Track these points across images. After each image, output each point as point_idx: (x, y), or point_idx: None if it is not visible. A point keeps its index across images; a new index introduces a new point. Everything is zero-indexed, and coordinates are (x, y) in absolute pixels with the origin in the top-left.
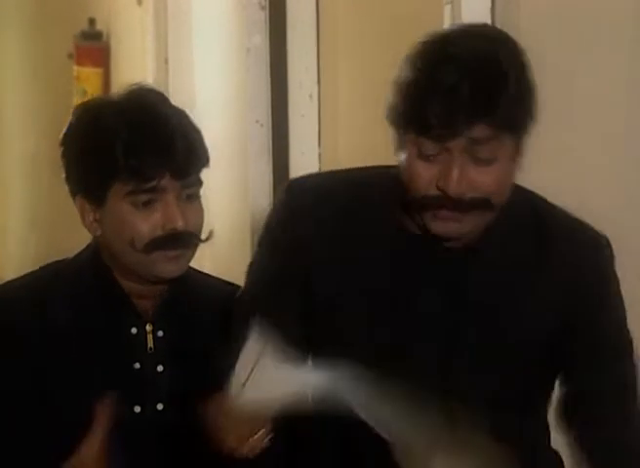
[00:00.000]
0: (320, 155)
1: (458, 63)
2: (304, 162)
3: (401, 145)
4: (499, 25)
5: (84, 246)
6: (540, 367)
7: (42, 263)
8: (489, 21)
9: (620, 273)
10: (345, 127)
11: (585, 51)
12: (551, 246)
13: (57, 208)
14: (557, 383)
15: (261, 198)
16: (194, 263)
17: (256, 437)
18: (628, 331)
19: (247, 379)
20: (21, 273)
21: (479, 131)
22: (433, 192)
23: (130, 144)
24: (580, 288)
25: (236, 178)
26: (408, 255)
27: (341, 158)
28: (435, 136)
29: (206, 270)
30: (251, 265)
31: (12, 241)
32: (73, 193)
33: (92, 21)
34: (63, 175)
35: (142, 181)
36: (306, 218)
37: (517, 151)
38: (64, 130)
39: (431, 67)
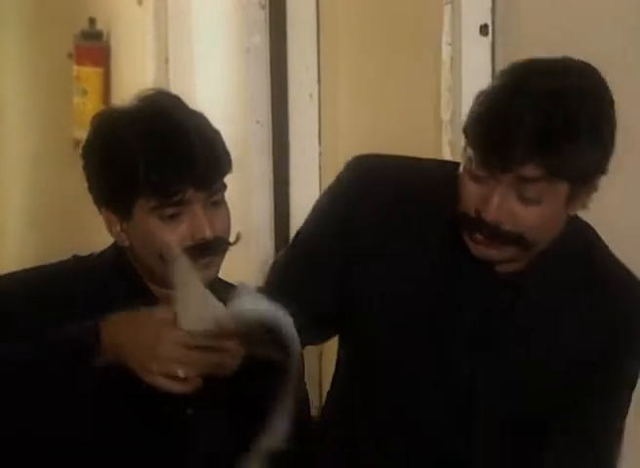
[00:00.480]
0: (320, 154)
1: (534, 102)
2: (305, 161)
3: (463, 156)
4: (499, 26)
5: (82, 247)
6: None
7: (42, 263)
8: (489, 22)
9: None
10: (345, 126)
11: (586, 51)
12: (601, 286)
13: (56, 208)
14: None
15: (262, 197)
16: None
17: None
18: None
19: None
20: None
21: (530, 170)
22: (472, 213)
23: (150, 158)
24: (616, 338)
25: (236, 178)
26: (456, 266)
27: (342, 157)
28: (488, 164)
29: None
30: (298, 233)
31: (10, 241)
32: (98, 205)
33: (92, 21)
34: (86, 186)
35: (166, 197)
36: (359, 202)
37: (572, 198)
38: (84, 141)
39: (508, 94)
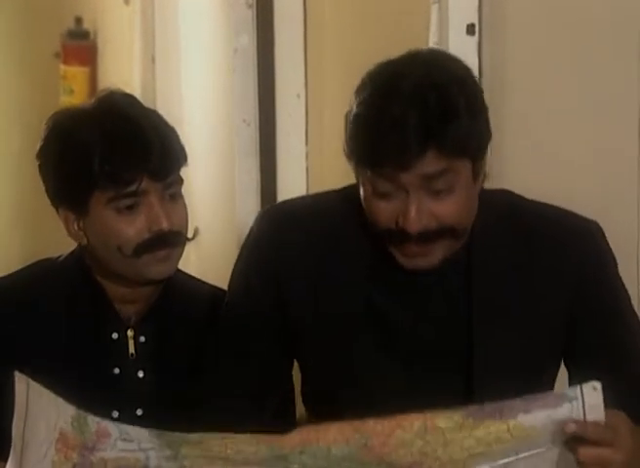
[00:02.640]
0: (307, 154)
1: (403, 96)
2: (291, 161)
3: (358, 181)
4: (486, 25)
5: (68, 245)
6: (552, 346)
7: (27, 260)
8: (476, 21)
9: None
10: (332, 126)
11: (572, 49)
12: (536, 241)
13: (41, 207)
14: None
15: (248, 197)
16: (182, 263)
17: None
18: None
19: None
20: (7, 271)
21: (430, 164)
22: (394, 227)
23: (104, 151)
24: (579, 277)
25: (223, 177)
26: (392, 279)
27: (328, 157)
28: (388, 174)
29: (192, 268)
30: (227, 294)
31: None
32: (55, 204)
33: (78, 20)
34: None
35: (122, 186)
36: (277, 251)
37: (476, 174)
38: (40, 142)
39: (377, 102)
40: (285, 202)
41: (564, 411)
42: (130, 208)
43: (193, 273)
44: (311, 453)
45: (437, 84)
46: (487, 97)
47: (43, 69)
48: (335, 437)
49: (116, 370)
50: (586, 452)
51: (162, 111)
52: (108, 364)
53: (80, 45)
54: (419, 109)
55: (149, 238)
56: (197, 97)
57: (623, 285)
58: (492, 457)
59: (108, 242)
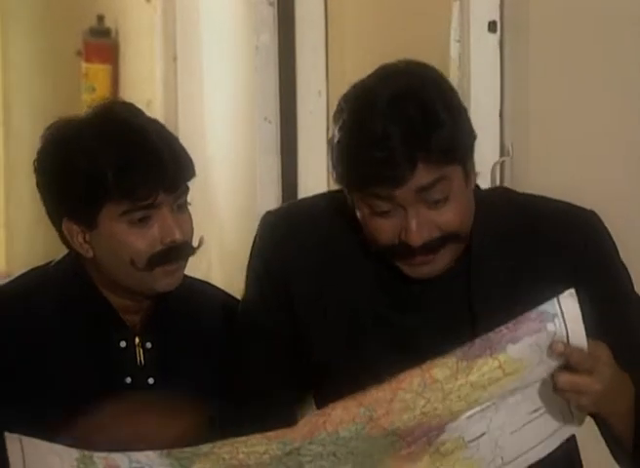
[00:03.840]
0: None
1: (382, 112)
2: (312, 159)
3: (353, 204)
4: (507, 22)
5: None
6: None
7: (50, 258)
8: (497, 18)
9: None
10: None
11: (594, 45)
12: (536, 235)
13: None
14: None
15: (270, 194)
16: (205, 261)
17: None
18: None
19: None
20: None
21: (422, 177)
22: (396, 242)
23: (118, 164)
24: (581, 267)
25: (244, 175)
26: (397, 281)
27: None
28: (381, 193)
29: (214, 268)
30: (242, 299)
31: (19, 237)
32: (58, 216)
33: (100, 18)
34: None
35: (137, 200)
36: (279, 252)
37: (467, 176)
38: (37, 154)
39: (357, 123)
40: (281, 206)
41: (548, 335)
42: (142, 220)
43: (215, 271)
44: (320, 441)
45: (413, 93)
46: (508, 94)
47: (65, 67)
48: (341, 417)
49: (128, 380)
50: (564, 378)
51: (183, 109)
52: (120, 373)
53: (102, 43)
54: (400, 123)
55: (162, 250)
56: (218, 96)
57: (627, 270)
58: (484, 401)
59: (120, 255)
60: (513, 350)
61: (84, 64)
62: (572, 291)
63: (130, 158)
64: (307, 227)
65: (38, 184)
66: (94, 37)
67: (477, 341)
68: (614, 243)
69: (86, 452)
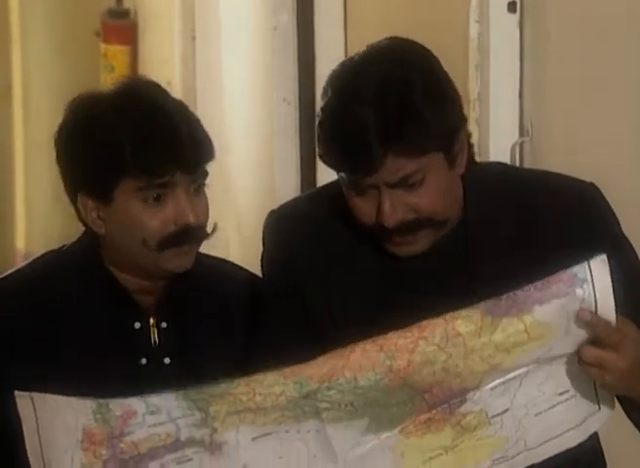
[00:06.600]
0: None
1: (362, 98)
2: None
3: (339, 180)
4: (527, 2)
5: None
6: None
7: (69, 237)
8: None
9: None
10: None
11: (614, 25)
12: (535, 208)
13: None
14: None
15: (288, 177)
16: (223, 243)
17: None
18: None
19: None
20: (49, 247)
21: (392, 168)
22: (374, 223)
23: (137, 140)
24: (584, 239)
25: (262, 156)
26: (395, 265)
27: None
28: (357, 175)
29: (234, 250)
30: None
31: (37, 214)
32: (74, 190)
33: (119, 0)
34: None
35: (154, 177)
36: (287, 248)
37: (451, 161)
38: (58, 127)
39: (337, 107)
40: (286, 202)
41: (577, 300)
42: (157, 199)
43: (233, 253)
44: (339, 388)
45: (397, 80)
46: (528, 74)
47: (84, 48)
48: (360, 363)
49: (143, 361)
50: (590, 352)
51: (202, 90)
52: (135, 354)
53: (120, 23)
54: (376, 112)
55: (175, 231)
56: (237, 76)
57: (628, 240)
58: (507, 369)
59: (132, 233)
60: (540, 312)
61: (103, 45)
62: (603, 256)
63: (149, 134)
64: (311, 220)
65: (58, 157)
66: (112, 18)
67: (504, 298)
68: (614, 214)
69: (101, 401)
